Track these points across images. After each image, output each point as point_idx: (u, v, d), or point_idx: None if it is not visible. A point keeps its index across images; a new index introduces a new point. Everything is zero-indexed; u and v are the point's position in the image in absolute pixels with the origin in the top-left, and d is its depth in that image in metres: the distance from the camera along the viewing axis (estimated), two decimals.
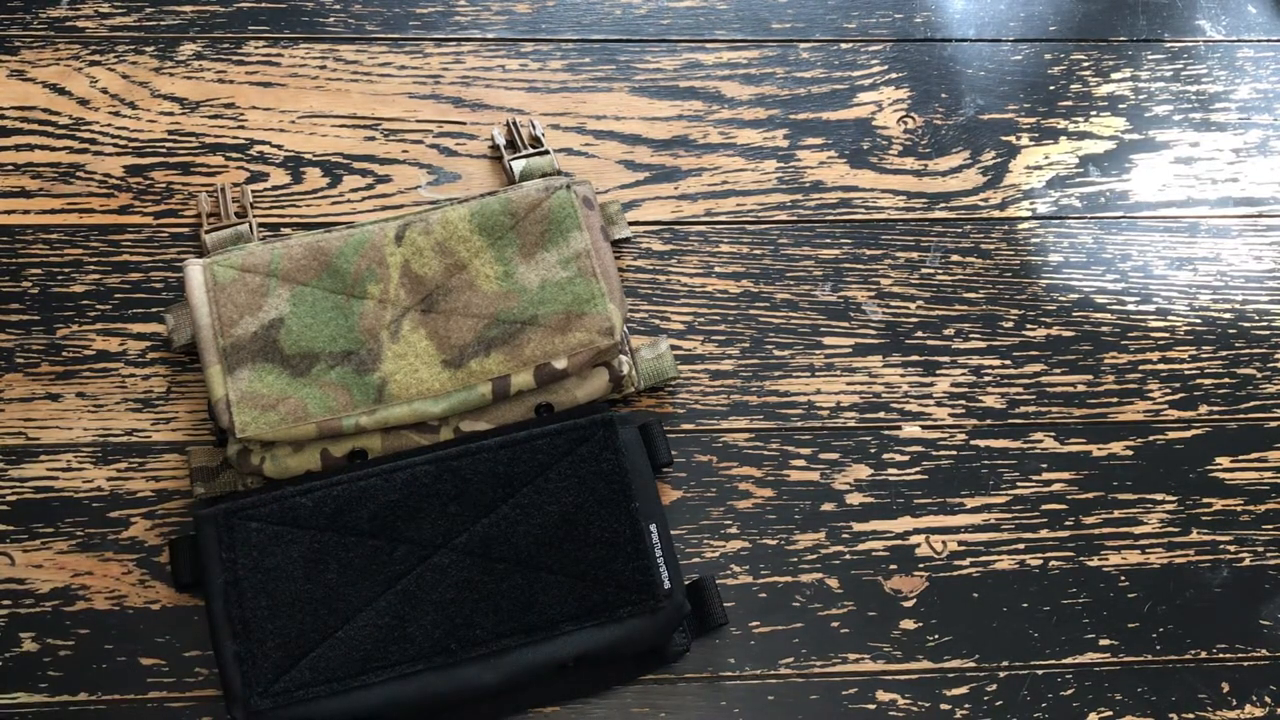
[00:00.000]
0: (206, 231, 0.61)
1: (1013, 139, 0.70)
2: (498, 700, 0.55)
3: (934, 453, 0.63)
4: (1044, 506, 0.62)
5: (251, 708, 0.52)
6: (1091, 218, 0.69)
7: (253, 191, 0.65)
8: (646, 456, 0.58)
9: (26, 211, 0.64)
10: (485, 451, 0.56)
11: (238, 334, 0.57)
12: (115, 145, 0.65)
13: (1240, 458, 0.64)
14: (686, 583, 0.58)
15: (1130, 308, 0.67)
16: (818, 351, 0.64)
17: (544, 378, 0.57)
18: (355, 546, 0.55)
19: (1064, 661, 0.60)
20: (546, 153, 0.64)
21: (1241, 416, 0.65)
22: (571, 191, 0.61)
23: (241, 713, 0.52)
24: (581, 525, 0.55)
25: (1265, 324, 0.67)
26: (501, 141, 0.65)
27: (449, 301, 0.58)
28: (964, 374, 0.65)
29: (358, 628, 0.53)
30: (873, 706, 0.58)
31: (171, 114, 0.66)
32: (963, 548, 0.61)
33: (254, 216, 0.63)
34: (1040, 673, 0.60)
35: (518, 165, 0.64)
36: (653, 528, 0.56)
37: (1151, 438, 0.64)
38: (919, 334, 0.65)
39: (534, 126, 0.66)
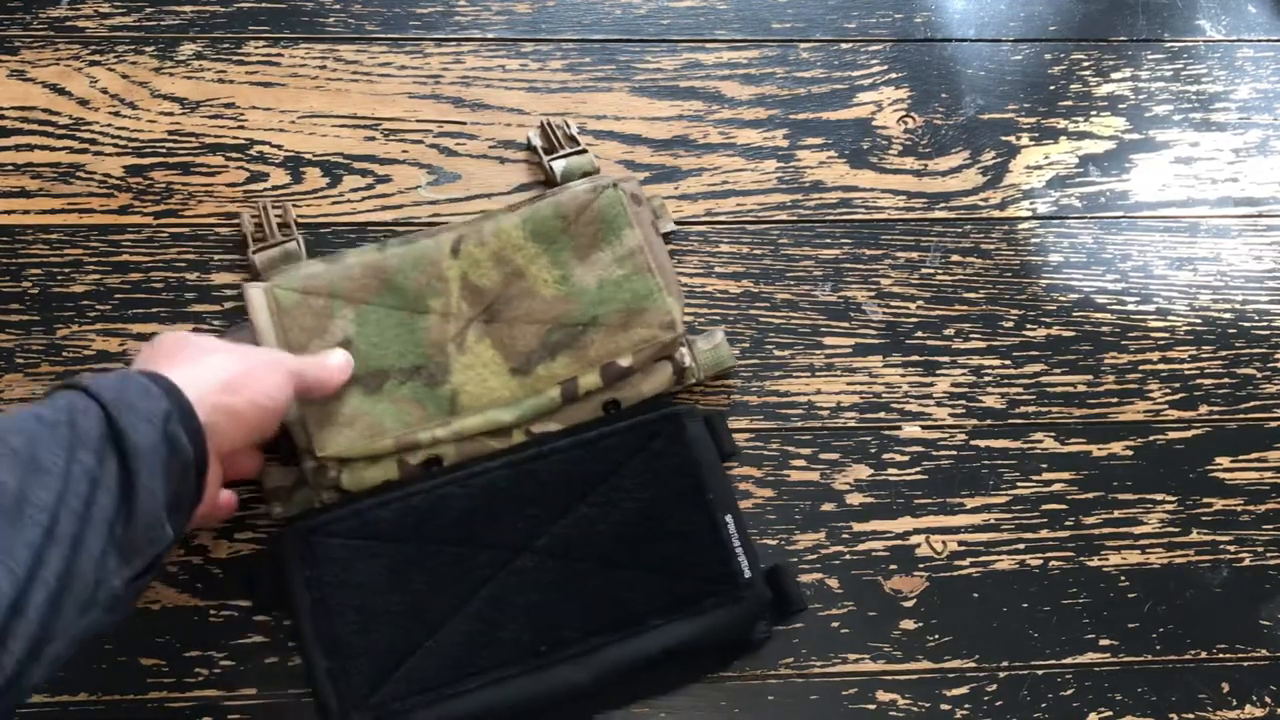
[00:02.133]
0: (254, 252, 0.61)
1: (1013, 139, 0.70)
2: (591, 699, 0.55)
3: (934, 453, 0.63)
4: (1044, 506, 0.62)
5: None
6: (1091, 218, 0.69)
7: (251, 191, 0.65)
8: (715, 448, 0.58)
9: (26, 211, 0.64)
10: (558, 453, 0.57)
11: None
12: (115, 145, 0.65)
13: (1240, 458, 0.64)
14: (765, 569, 0.58)
15: (1130, 308, 0.67)
16: (818, 351, 0.64)
17: (610, 376, 0.58)
18: (438, 555, 0.55)
19: (1064, 661, 0.60)
20: (585, 151, 0.64)
21: (1241, 416, 0.65)
22: (619, 190, 0.61)
23: None
24: (658, 520, 0.56)
25: (1265, 324, 0.67)
26: (538, 143, 0.65)
27: (510, 310, 0.59)
28: (964, 374, 0.65)
29: (447, 636, 0.54)
30: (873, 707, 0.58)
31: (171, 114, 0.66)
32: (963, 548, 0.61)
33: (299, 231, 0.63)
34: (1040, 673, 0.60)
35: (559, 165, 0.63)
36: (728, 518, 0.56)
37: (1151, 438, 0.64)
38: (919, 334, 0.65)
39: (568, 126, 0.66)
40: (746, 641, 0.57)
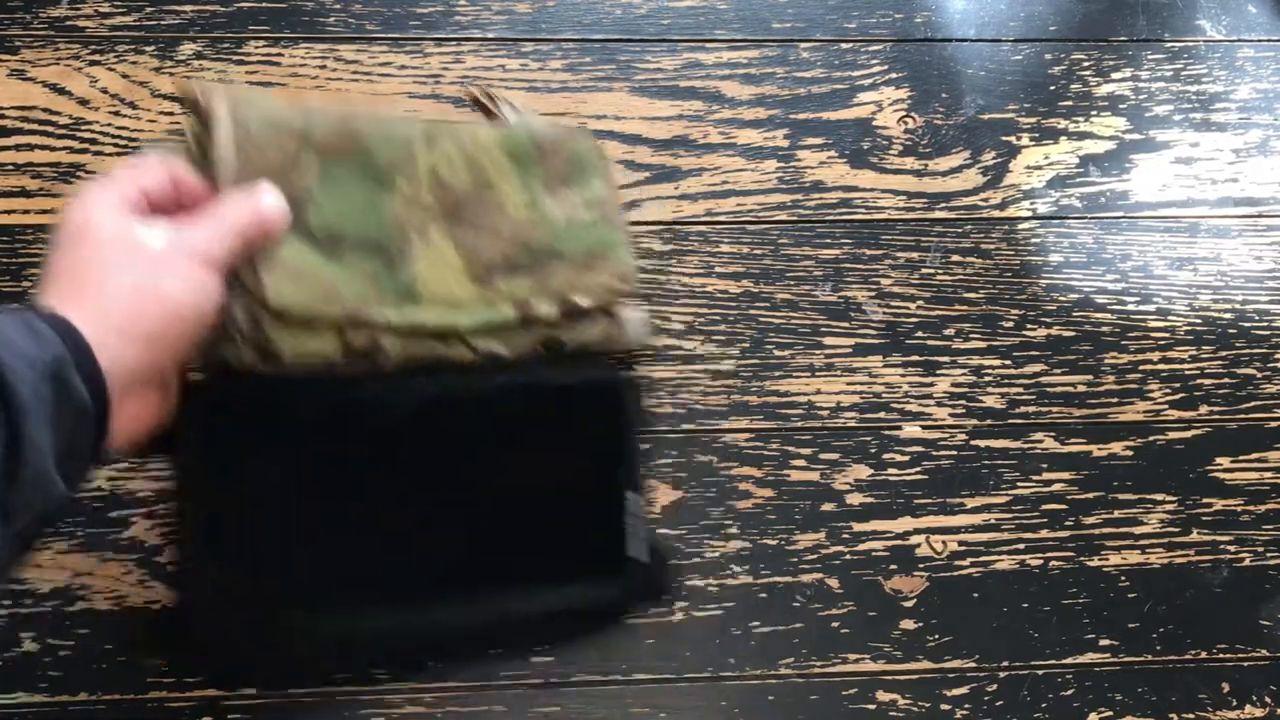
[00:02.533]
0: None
1: (1013, 139, 0.70)
2: (464, 641, 0.57)
3: (934, 453, 0.63)
4: (1044, 506, 0.62)
5: (210, 608, 0.51)
6: (1092, 218, 0.69)
7: None
8: (638, 420, 0.59)
9: (26, 211, 0.64)
10: (495, 392, 0.55)
11: None
12: (115, 145, 0.65)
13: (1240, 458, 0.64)
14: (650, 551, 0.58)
15: (1130, 308, 0.67)
16: (818, 351, 0.64)
17: (565, 312, 0.55)
18: (342, 466, 0.53)
19: (1064, 661, 0.60)
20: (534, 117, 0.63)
21: (1241, 416, 0.65)
22: (592, 141, 0.60)
23: (202, 604, 0.51)
24: (570, 483, 0.56)
25: (1265, 324, 0.67)
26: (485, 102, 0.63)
27: (477, 217, 0.55)
28: (964, 374, 0.65)
29: (330, 550, 0.53)
30: (873, 707, 0.58)
31: (171, 114, 0.66)
32: (963, 548, 0.61)
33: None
34: (1040, 673, 0.60)
35: (512, 116, 0.62)
36: (631, 495, 0.56)
37: (1151, 438, 0.64)
38: (919, 334, 0.65)
39: (510, 101, 0.63)
40: (621, 619, 0.58)
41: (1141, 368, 0.66)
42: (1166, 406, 0.65)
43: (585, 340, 0.57)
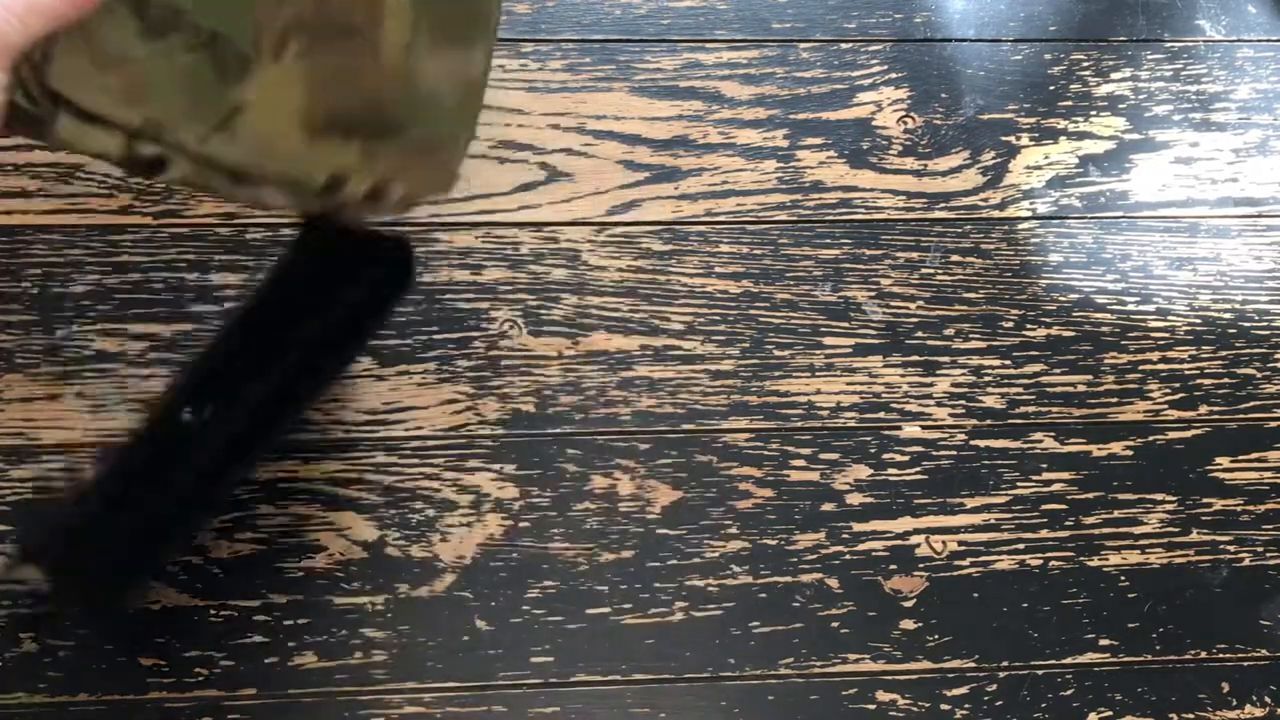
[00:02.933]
0: None
1: (1013, 139, 0.70)
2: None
3: (934, 453, 0.63)
4: (1044, 506, 0.62)
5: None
6: (1091, 218, 0.69)
7: None
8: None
9: (26, 212, 0.64)
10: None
11: None
12: None
13: (1240, 458, 0.64)
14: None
15: (1130, 308, 0.67)
16: (818, 351, 0.64)
17: (373, 196, 0.47)
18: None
19: (1064, 661, 0.60)
20: None
21: (1241, 416, 0.65)
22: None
23: None
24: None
25: (1265, 324, 0.67)
26: None
27: (348, 46, 0.44)
28: (964, 374, 0.65)
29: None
30: (873, 707, 0.58)
31: None
32: (963, 548, 0.61)
33: None
34: (1040, 673, 0.60)
35: None
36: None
37: (1151, 438, 0.64)
38: (919, 334, 0.65)
39: None
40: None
41: (1141, 368, 0.66)
42: (1166, 406, 0.65)
43: (364, 214, 0.50)
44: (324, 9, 0.44)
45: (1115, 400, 0.65)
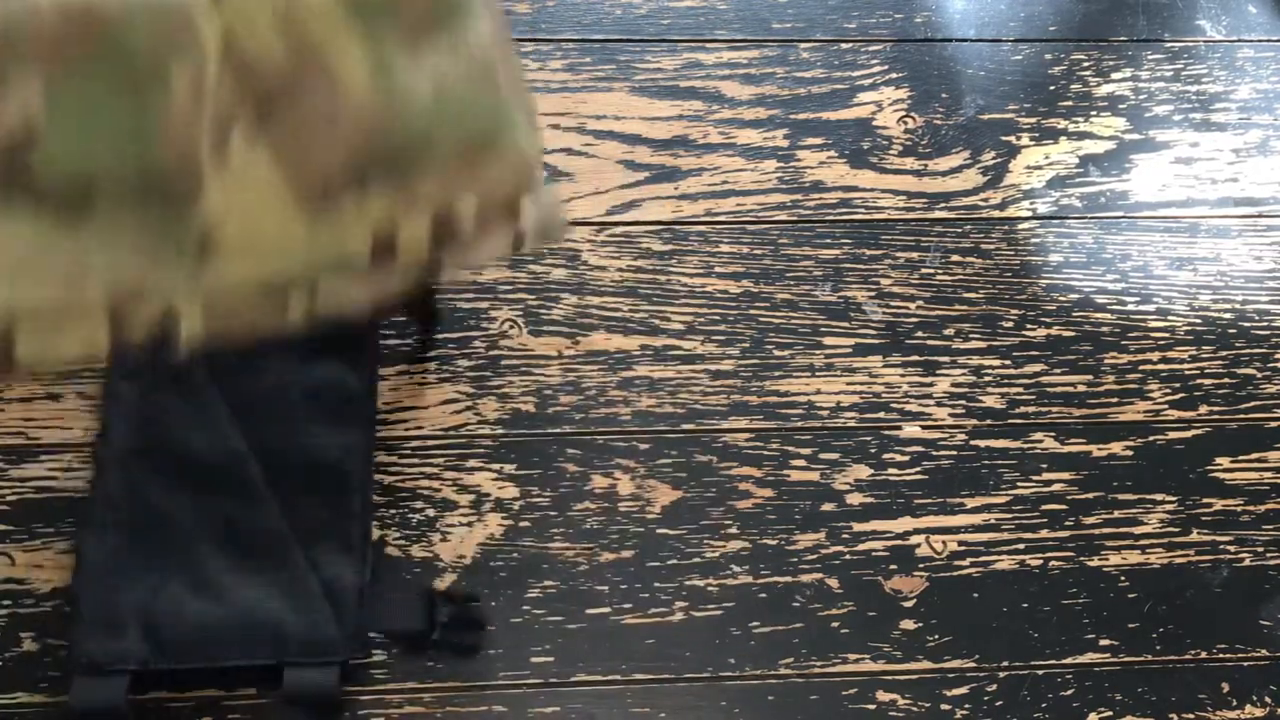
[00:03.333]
0: None
1: (1013, 139, 0.70)
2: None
3: (934, 453, 0.63)
4: (1044, 506, 0.62)
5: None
6: (1091, 218, 0.69)
7: None
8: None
9: None
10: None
11: None
12: None
13: (1240, 458, 0.64)
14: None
15: (1130, 308, 0.67)
16: (818, 351, 0.64)
17: (443, 234, 0.41)
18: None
19: (1064, 661, 0.60)
20: None
21: (1241, 416, 0.65)
22: None
23: None
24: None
25: (1265, 324, 0.67)
26: None
27: (300, 106, 0.38)
28: (964, 374, 0.65)
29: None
30: (873, 707, 0.58)
31: None
32: (963, 548, 0.61)
33: None
34: (1040, 673, 0.60)
35: None
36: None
37: (1151, 438, 0.64)
38: (919, 334, 0.65)
39: None
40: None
41: (1141, 368, 0.66)
42: (1166, 406, 0.65)
43: (474, 260, 0.43)
44: (252, 88, 0.38)
45: (1115, 400, 0.65)
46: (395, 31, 0.39)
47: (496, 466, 0.61)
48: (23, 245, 0.36)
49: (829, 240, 0.67)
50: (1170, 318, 0.67)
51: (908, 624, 0.60)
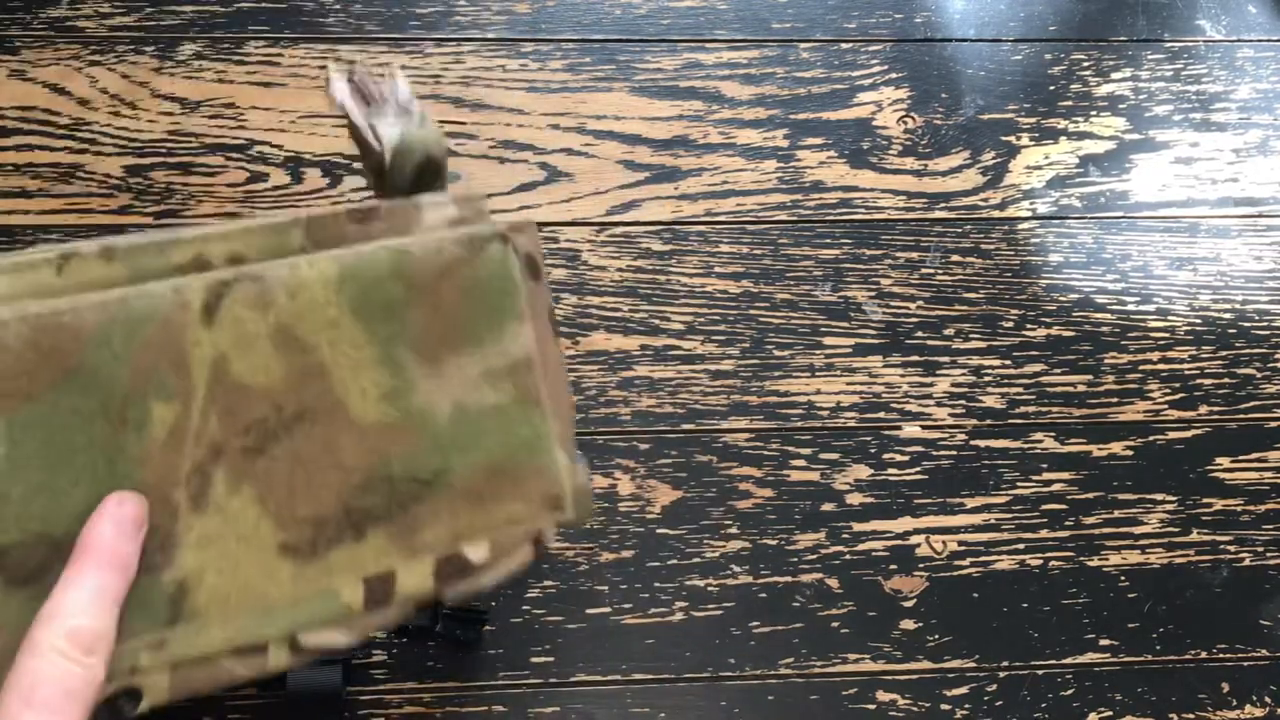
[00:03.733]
0: None
1: (1013, 139, 0.70)
2: None
3: (934, 453, 0.63)
4: (1044, 506, 0.62)
5: None
6: (1091, 218, 0.69)
7: (251, 192, 0.65)
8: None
9: (26, 211, 0.64)
10: None
11: None
12: (115, 145, 0.65)
13: (1240, 458, 0.64)
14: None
15: (1130, 308, 0.67)
16: (818, 351, 0.64)
17: (449, 573, 0.34)
18: None
19: (1064, 661, 0.60)
20: (426, 118, 0.38)
21: (1241, 416, 0.65)
22: (510, 248, 0.34)
23: None
24: None
25: (1265, 324, 0.67)
26: (346, 101, 0.38)
27: (297, 438, 0.33)
28: (964, 374, 0.65)
29: None
30: (873, 707, 0.58)
31: (171, 114, 0.66)
32: (963, 548, 0.61)
33: None
34: (1040, 673, 0.60)
35: (389, 134, 0.37)
36: None
37: (1151, 438, 0.64)
38: (919, 334, 0.65)
39: (396, 80, 0.39)
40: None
41: (1141, 368, 0.66)
42: (1166, 406, 0.65)
43: (486, 586, 0.35)
44: (237, 414, 0.33)
45: (1115, 400, 0.65)
46: (414, 345, 0.34)
47: None
48: None
49: (829, 240, 0.67)
50: (1170, 318, 0.67)
51: (908, 624, 0.60)
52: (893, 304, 0.66)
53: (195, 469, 0.32)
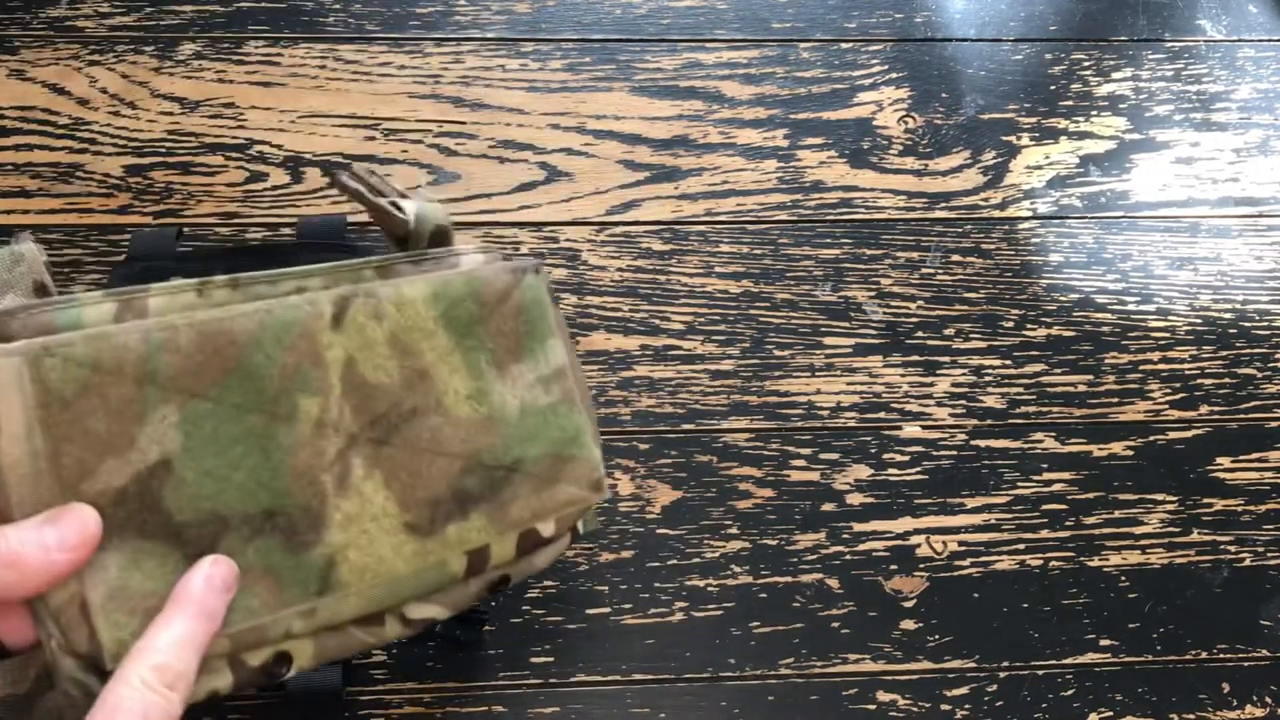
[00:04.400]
0: None
1: (1013, 139, 0.70)
2: None
3: (934, 453, 0.63)
4: (1044, 506, 0.62)
5: None
6: (1092, 218, 0.69)
7: (250, 191, 0.65)
8: None
9: (26, 211, 0.64)
10: None
11: (97, 490, 0.33)
12: (115, 145, 0.65)
13: (1240, 458, 0.64)
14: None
15: (1130, 308, 0.67)
16: (818, 351, 0.64)
17: (527, 547, 0.42)
18: None
19: (1064, 661, 0.60)
20: (424, 195, 0.44)
21: (1242, 416, 0.65)
22: (542, 277, 0.43)
23: None
24: None
25: (1265, 324, 0.67)
26: (355, 184, 0.44)
27: (412, 429, 0.39)
28: (964, 374, 0.65)
29: None
30: (873, 707, 0.58)
31: (171, 114, 0.66)
32: (963, 548, 0.61)
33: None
34: (1040, 673, 0.60)
35: (412, 208, 0.42)
36: None
37: (1152, 438, 0.64)
38: (919, 334, 0.65)
39: (389, 178, 0.44)
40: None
41: (1141, 368, 0.66)
42: (1167, 406, 0.65)
43: (537, 566, 0.43)
44: (370, 412, 0.38)
45: (1116, 400, 0.65)
46: (489, 354, 0.41)
47: None
48: (153, 583, 0.34)
49: (829, 240, 0.67)
50: (1170, 318, 0.67)
51: (908, 624, 0.60)
52: (893, 304, 0.66)
53: (338, 456, 0.37)
